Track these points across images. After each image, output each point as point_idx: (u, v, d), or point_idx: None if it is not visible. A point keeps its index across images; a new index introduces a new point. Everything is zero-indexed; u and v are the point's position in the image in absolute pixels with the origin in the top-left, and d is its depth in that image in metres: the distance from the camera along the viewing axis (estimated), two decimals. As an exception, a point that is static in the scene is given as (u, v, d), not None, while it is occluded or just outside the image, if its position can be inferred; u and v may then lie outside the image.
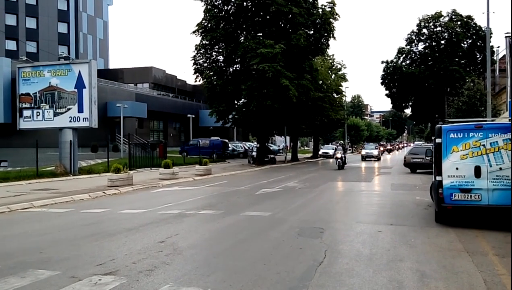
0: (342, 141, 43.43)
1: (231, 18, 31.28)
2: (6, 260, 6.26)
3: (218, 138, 41.96)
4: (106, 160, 24.45)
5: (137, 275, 5.55)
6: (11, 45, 52.23)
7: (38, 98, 20.99)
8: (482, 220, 8.67)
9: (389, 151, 68.31)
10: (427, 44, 53.05)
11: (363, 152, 42.29)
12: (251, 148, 39.60)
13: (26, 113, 21.25)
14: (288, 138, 46.33)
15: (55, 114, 20.80)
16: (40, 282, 5.28)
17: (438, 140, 8.75)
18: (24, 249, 7.03)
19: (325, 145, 61.40)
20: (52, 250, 6.94)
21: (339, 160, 27.19)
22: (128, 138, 27.70)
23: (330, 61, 47.17)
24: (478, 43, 49.89)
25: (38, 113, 21.05)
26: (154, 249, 6.92)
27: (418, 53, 54.06)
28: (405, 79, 51.92)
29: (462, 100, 33.24)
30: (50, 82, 20.81)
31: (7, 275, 5.50)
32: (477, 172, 8.27)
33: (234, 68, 32.86)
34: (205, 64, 32.43)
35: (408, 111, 65.15)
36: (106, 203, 12.48)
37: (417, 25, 53.03)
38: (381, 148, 54.72)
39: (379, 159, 41.34)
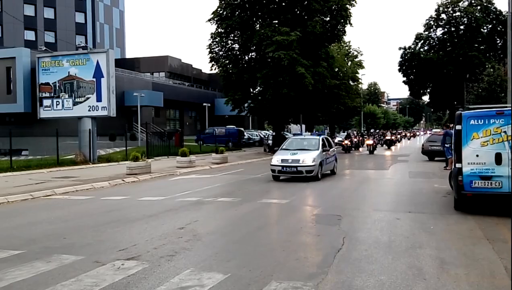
0: None
1: (247, 5, 31.08)
2: (32, 245, 6.46)
3: (234, 126, 42.02)
4: (124, 148, 24.79)
5: (158, 260, 5.67)
6: (30, 35, 53.00)
7: (57, 88, 21.31)
8: (503, 207, 8.55)
9: (390, 143, 38.27)
10: (445, 29, 51.92)
11: (274, 159, 15.05)
12: (266, 136, 39.59)
13: (46, 102, 21.61)
14: (304, 126, 46.15)
15: (74, 103, 21.11)
16: (65, 266, 5.44)
17: (458, 127, 8.62)
18: (48, 235, 7.24)
19: (341, 133, 61.02)
20: (75, 236, 7.12)
21: None
22: (146, 127, 27.95)
23: (347, 48, 46.70)
24: (499, 28, 48.61)
25: (57, 102, 21.39)
26: (174, 235, 7.04)
27: (436, 39, 52.98)
28: (423, 65, 51.01)
29: (482, 87, 32.62)
30: (69, 72, 21.09)
31: (33, 260, 5.68)
32: (498, 159, 8.14)
33: (249, 56, 32.75)
34: (221, 53, 32.40)
35: (426, 98, 63.98)
36: (125, 191, 12.69)
37: (436, 10, 51.90)
38: (371, 141, 31.51)
39: (317, 175, 14.67)
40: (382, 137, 44.23)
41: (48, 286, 4.73)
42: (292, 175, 14.67)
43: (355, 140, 35.93)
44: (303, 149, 15.34)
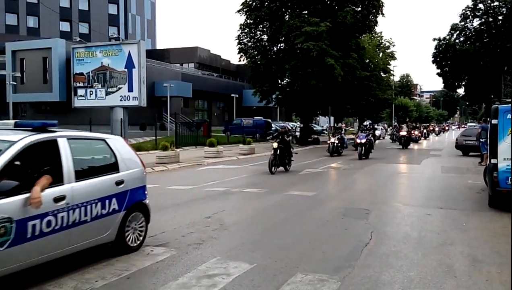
0: None
1: (276, -4, 30.81)
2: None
3: (261, 118, 41.98)
4: (154, 138, 25.18)
5: (186, 247, 5.77)
6: (65, 26, 54.49)
7: (91, 78, 21.91)
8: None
9: (406, 141, 28.11)
10: (483, 20, 49.86)
11: None
12: (294, 128, 39.38)
13: (80, 92, 22.26)
14: (332, 118, 45.64)
15: (107, 93, 21.64)
16: (98, 250, 5.60)
17: (494, 121, 8.32)
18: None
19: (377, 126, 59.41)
20: (107, 221, 7.31)
21: None
22: (175, 117, 28.33)
23: (378, 38, 45.66)
24: (541, 19, 46.33)
25: (91, 92, 21.99)
26: (201, 224, 7.13)
27: (473, 29, 51.00)
28: (458, 57, 49.28)
29: (521, 80, 31.24)
30: (102, 62, 21.61)
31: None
32: (537, 155, 7.81)
33: (278, 47, 32.56)
34: (249, 44, 32.35)
35: (460, 91, 61.77)
36: (155, 179, 12.90)
37: (473, 0, 49.95)
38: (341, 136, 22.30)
39: None
40: (396, 131, 33.21)
41: (82, 269, 4.89)
42: None
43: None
44: None
